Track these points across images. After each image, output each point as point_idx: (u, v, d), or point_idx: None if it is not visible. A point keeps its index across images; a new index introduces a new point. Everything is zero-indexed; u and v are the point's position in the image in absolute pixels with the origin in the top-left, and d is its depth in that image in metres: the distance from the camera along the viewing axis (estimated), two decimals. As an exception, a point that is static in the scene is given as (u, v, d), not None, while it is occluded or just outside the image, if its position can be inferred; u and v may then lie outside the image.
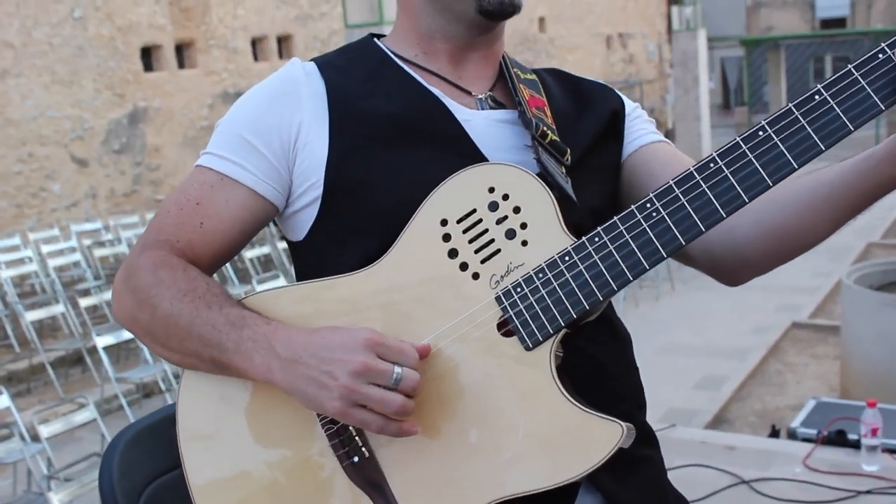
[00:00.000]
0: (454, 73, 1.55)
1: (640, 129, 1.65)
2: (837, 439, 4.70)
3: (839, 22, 36.67)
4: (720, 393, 7.22)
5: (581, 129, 1.57)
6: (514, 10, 1.49)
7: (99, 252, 11.32)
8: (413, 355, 1.29)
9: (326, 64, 1.54)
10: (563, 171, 1.47)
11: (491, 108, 1.54)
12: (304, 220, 1.49)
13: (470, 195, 1.36)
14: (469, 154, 1.45)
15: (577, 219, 1.39)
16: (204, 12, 14.76)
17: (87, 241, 11.62)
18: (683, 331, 9.35)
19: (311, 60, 1.56)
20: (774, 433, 5.41)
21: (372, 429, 1.29)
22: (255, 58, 15.75)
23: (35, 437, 5.73)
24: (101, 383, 8.18)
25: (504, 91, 1.57)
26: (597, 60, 24.86)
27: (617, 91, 1.69)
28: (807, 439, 4.86)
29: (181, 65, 14.58)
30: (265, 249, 11.34)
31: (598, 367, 1.48)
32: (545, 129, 1.48)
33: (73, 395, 6.34)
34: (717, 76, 38.29)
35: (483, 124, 1.50)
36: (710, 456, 4.72)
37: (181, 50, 14.64)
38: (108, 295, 9.11)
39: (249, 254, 10.85)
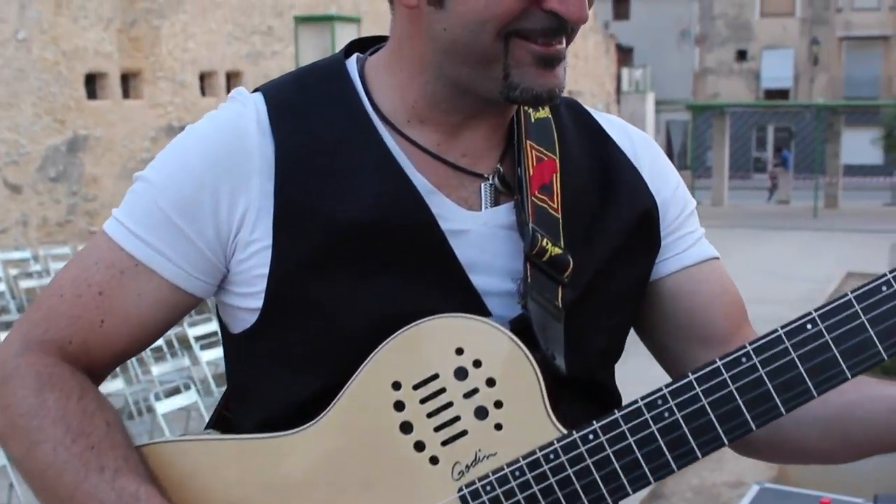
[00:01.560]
0: (456, 147, 1.19)
1: (685, 238, 1.29)
2: (784, 534, 4.57)
3: (782, 93, 37.56)
4: (658, 466, 7.09)
5: (598, 234, 1.21)
6: (553, 101, 1.15)
7: (25, 283, 10.92)
8: None
9: (282, 107, 1.17)
10: (559, 301, 1.15)
11: (498, 193, 1.19)
12: (239, 318, 1.19)
13: (431, 355, 1.08)
14: (454, 283, 1.14)
15: (576, 370, 1.13)
16: (153, 43, 14.51)
17: (14, 271, 11.22)
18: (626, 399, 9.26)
19: (263, 92, 1.20)
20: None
21: None
22: (203, 92, 15.50)
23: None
24: None
25: (513, 163, 1.21)
26: (546, 116, 24.95)
27: (654, 177, 1.28)
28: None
29: (126, 94, 14.29)
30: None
31: None
32: (544, 241, 1.14)
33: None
34: (662, 139, 38.86)
35: (480, 235, 1.17)
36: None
37: (127, 79, 14.35)
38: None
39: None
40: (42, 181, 12.88)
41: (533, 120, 1.23)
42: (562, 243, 1.17)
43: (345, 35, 10.43)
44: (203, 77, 15.50)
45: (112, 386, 7.20)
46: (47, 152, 12.92)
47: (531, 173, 1.18)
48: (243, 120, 1.16)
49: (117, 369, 7.84)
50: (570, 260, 1.16)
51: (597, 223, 1.22)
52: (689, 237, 1.29)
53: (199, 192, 1.14)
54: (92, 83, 13.77)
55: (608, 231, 1.22)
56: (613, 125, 1.31)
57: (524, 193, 1.17)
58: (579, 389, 1.14)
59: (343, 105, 1.18)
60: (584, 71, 27.56)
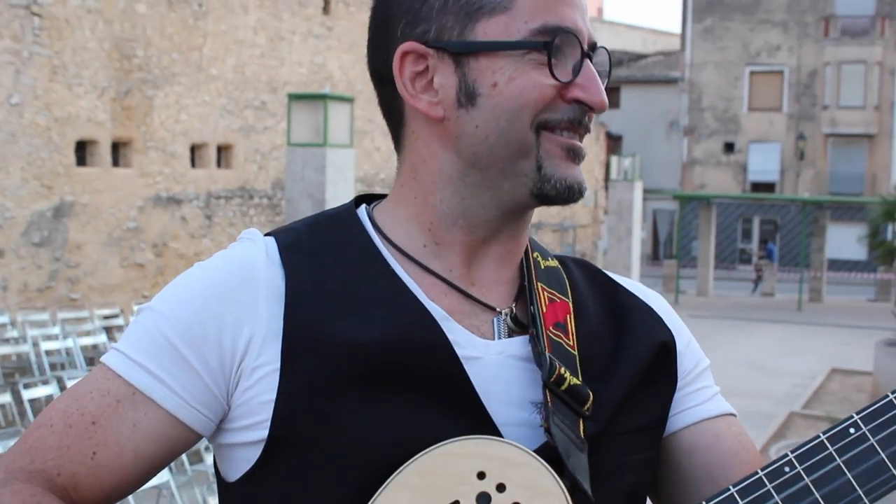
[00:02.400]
0: (468, 276, 1.17)
1: (701, 392, 1.26)
2: None
3: (769, 186, 37.96)
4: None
5: (616, 367, 1.18)
6: (580, 197, 1.15)
7: (1, 349, 10.77)
8: None
9: (292, 247, 1.15)
10: (581, 433, 1.10)
11: (510, 330, 1.17)
12: (239, 459, 1.11)
13: (450, 481, 1.01)
14: (470, 411, 1.08)
15: (598, 499, 1.06)
16: (146, 113, 14.58)
17: (-9, 336, 11.07)
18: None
19: (273, 236, 1.18)
20: None
21: None
22: (193, 164, 15.54)
23: None
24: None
25: (525, 303, 1.19)
26: (534, 200, 25.11)
27: (670, 321, 1.28)
28: None
29: (116, 163, 14.31)
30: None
31: None
32: (562, 370, 1.11)
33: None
34: (648, 227, 39.12)
35: (495, 364, 1.12)
36: None
37: (118, 148, 14.39)
38: (6, 396, 8.58)
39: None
40: (25, 246, 12.80)
41: (542, 267, 1.23)
42: (579, 376, 1.13)
43: (338, 113, 10.47)
44: (194, 149, 15.56)
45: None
46: (32, 217, 12.87)
47: (545, 310, 1.17)
48: (252, 254, 1.14)
49: None
50: (590, 392, 1.12)
51: (614, 362, 1.19)
52: (705, 391, 1.27)
53: (204, 320, 1.10)
54: (82, 150, 13.80)
55: (627, 367, 1.19)
56: (626, 281, 1.32)
57: (539, 327, 1.15)
58: None
59: (354, 243, 1.17)
60: (574, 157, 27.81)
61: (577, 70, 1.12)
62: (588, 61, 1.13)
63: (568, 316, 1.19)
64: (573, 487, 1.02)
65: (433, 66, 1.14)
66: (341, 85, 17.41)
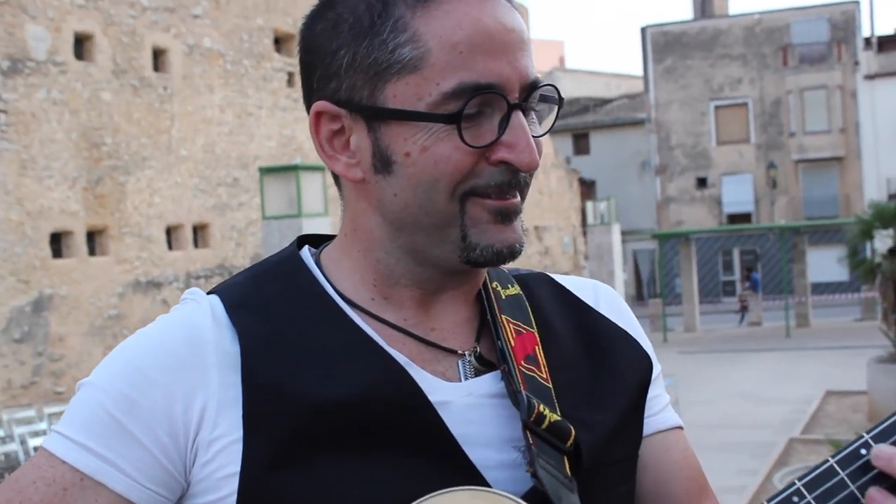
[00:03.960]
0: (425, 323, 1.10)
1: (656, 401, 1.21)
2: None
3: (745, 217, 38.21)
4: None
5: (598, 401, 1.12)
6: (514, 258, 1.07)
7: (-11, 449, 10.60)
8: None
9: (241, 306, 1.07)
10: (567, 471, 1.04)
11: (476, 370, 1.09)
12: None
13: None
14: (449, 458, 1.02)
15: None
16: (119, 199, 14.58)
17: (-23, 437, 10.90)
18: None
19: (217, 293, 1.09)
20: None
21: None
22: (170, 246, 15.50)
23: None
24: None
25: (490, 337, 1.12)
26: (514, 251, 25.22)
27: (640, 335, 1.22)
28: None
29: (92, 252, 14.26)
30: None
31: None
32: (541, 407, 1.04)
33: None
34: (630, 268, 39.22)
35: (465, 406, 1.06)
36: None
37: (93, 236, 14.35)
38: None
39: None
40: (6, 343, 12.67)
41: (504, 297, 1.16)
42: (558, 411, 1.06)
43: (310, 183, 10.49)
44: (170, 231, 15.53)
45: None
46: (12, 313, 12.76)
47: (513, 345, 1.10)
48: (197, 316, 1.06)
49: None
50: (571, 428, 1.06)
51: (596, 391, 1.12)
52: (659, 400, 1.22)
53: (149, 392, 1.01)
54: (57, 242, 13.75)
55: (616, 396, 1.13)
56: (585, 288, 1.24)
57: (510, 363, 1.08)
58: None
59: (306, 295, 1.09)
60: (549, 206, 27.97)
61: (503, 127, 1.02)
62: (518, 114, 1.03)
63: (536, 347, 1.11)
64: None
65: (348, 127, 1.06)
66: (312, 154, 17.47)
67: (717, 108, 38.93)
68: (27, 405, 12.56)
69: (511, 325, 1.11)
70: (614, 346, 1.17)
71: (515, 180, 1.04)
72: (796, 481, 0.94)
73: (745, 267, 38.60)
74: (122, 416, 1.00)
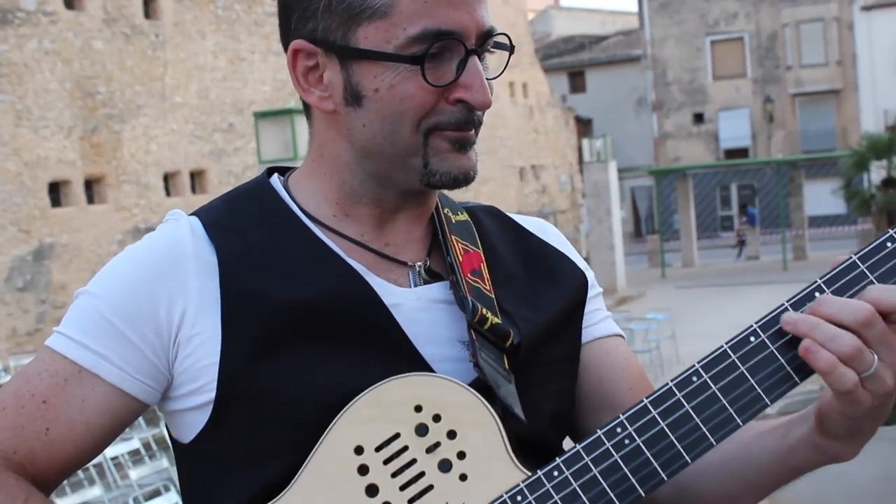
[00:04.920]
0: (379, 238, 1.24)
1: (594, 314, 1.36)
2: (774, 581, 4.52)
3: (742, 152, 38.17)
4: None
5: (534, 305, 1.27)
6: (468, 182, 1.21)
7: (-3, 396, 10.77)
8: None
9: (217, 224, 1.22)
10: (506, 366, 1.18)
11: (425, 281, 1.24)
12: (190, 423, 1.19)
13: (391, 416, 1.09)
14: (401, 352, 1.16)
15: (532, 431, 1.14)
16: (115, 148, 14.60)
17: (-14, 385, 11.07)
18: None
19: (196, 215, 1.24)
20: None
21: None
22: (168, 193, 15.56)
23: None
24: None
25: (440, 254, 1.27)
26: (511, 192, 25.27)
27: (579, 260, 1.37)
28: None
29: (91, 200, 14.32)
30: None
31: None
32: (484, 311, 1.18)
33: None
34: (627, 205, 39.27)
35: (415, 308, 1.20)
36: None
37: (91, 185, 14.40)
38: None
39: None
40: (10, 292, 12.80)
41: (454, 221, 1.31)
42: (499, 316, 1.21)
43: (305, 126, 10.49)
44: (167, 177, 15.58)
45: (90, 493, 7.07)
46: (14, 263, 12.87)
47: (461, 260, 1.25)
48: (177, 233, 1.21)
49: (95, 475, 7.70)
50: (511, 330, 1.20)
51: (533, 300, 1.27)
52: (598, 313, 1.36)
53: (138, 297, 1.17)
54: (56, 191, 13.80)
55: (549, 305, 1.28)
56: (528, 222, 1.40)
57: (458, 274, 1.23)
58: (537, 454, 1.14)
59: (274, 213, 1.24)
60: (546, 145, 27.94)
61: (461, 70, 1.15)
62: (474, 59, 1.16)
63: (482, 264, 1.27)
64: (504, 414, 1.11)
65: (322, 63, 1.19)
66: (306, 98, 17.46)
67: (712, 42, 38.68)
68: (32, 352, 12.73)
69: (459, 245, 1.27)
70: (552, 265, 1.33)
71: (471, 118, 1.18)
72: (696, 364, 1.08)
73: (742, 202, 38.66)
74: (114, 318, 1.16)
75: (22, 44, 13.36)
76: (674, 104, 39.21)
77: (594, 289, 1.38)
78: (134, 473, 7.48)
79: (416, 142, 1.17)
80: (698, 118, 39.08)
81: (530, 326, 1.23)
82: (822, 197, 32.49)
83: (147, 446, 8.80)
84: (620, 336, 1.37)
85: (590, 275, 1.38)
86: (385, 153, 1.19)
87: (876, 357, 1.02)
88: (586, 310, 1.34)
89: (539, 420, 1.18)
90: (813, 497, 6.08)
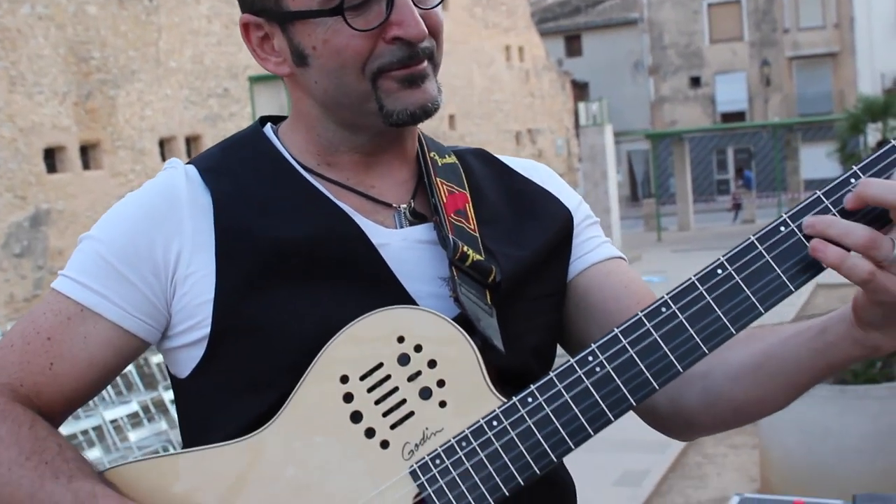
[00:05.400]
0: (365, 182, 1.31)
1: (589, 242, 1.40)
2: (764, 537, 4.60)
3: (738, 115, 38.09)
4: (641, 489, 7.11)
5: (518, 242, 1.32)
6: (428, 115, 1.26)
7: (-4, 361, 10.82)
8: None
9: (212, 170, 1.29)
10: (488, 301, 1.24)
11: (410, 222, 1.30)
12: (187, 359, 1.26)
13: (375, 346, 1.15)
14: (387, 288, 1.22)
15: (513, 363, 1.19)
16: (110, 113, 14.56)
17: (-16, 350, 11.12)
18: (602, 424, 9.23)
19: (192, 162, 1.32)
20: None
21: None
22: (164, 158, 15.54)
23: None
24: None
25: (425, 196, 1.33)
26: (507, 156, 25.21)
27: (562, 195, 1.41)
28: (733, 539, 4.75)
29: (86, 166, 14.30)
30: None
31: None
32: (465, 248, 1.24)
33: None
34: (624, 169, 39.23)
35: (400, 248, 1.27)
36: (635, 559, 4.57)
37: (86, 151, 14.37)
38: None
39: (156, 359, 10.47)
40: (7, 258, 12.83)
41: (440, 164, 1.36)
42: (482, 254, 1.26)
43: (299, 89, 10.50)
44: (162, 143, 15.55)
45: (90, 455, 7.15)
46: (10, 229, 12.88)
47: (445, 201, 1.30)
48: (173, 179, 1.28)
49: (94, 438, 7.78)
50: (493, 267, 1.25)
51: (517, 237, 1.32)
52: (594, 240, 1.41)
53: (137, 240, 1.24)
54: (51, 157, 13.78)
55: (532, 242, 1.32)
56: (519, 163, 1.45)
57: (441, 214, 1.28)
58: (520, 386, 1.19)
59: (266, 158, 1.31)
60: (542, 109, 27.86)
61: (389, 8, 1.18)
62: None
63: (467, 204, 1.32)
64: (484, 345, 1.16)
65: (270, 32, 1.26)
66: (301, 63, 17.40)
67: (709, 5, 38.48)
68: (31, 318, 12.79)
69: (444, 186, 1.32)
70: (537, 203, 1.38)
71: (415, 52, 1.22)
72: (665, 295, 1.11)
73: (738, 166, 38.62)
74: (115, 261, 1.23)
75: (15, 9, 13.28)
76: (670, 68, 39.06)
77: (589, 219, 1.42)
78: (133, 436, 7.57)
79: (366, 88, 1.22)
80: (695, 82, 38.96)
81: (513, 263, 1.28)
82: (818, 160, 32.47)
83: (146, 409, 8.88)
84: (622, 258, 1.41)
85: (583, 208, 1.42)
86: (342, 103, 1.25)
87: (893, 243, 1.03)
88: (582, 238, 1.39)
89: (521, 353, 1.24)
90: (802, 454, 6.18)
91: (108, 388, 9.16)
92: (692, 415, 1.30)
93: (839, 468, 5.94)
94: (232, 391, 1.23)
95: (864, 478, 5.70)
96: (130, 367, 9.53)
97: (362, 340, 1.15)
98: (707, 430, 1.36)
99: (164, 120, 15.44)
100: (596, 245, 1.41)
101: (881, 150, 1.07)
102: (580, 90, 36.75)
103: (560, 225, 1.37)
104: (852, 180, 1.07)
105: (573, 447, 1.11)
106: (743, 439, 8.15)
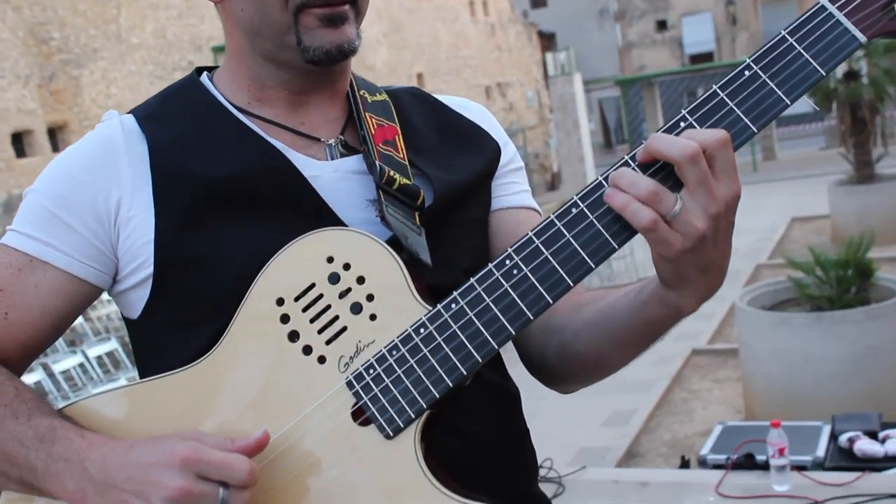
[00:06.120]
0: (295, 118, 1.36)
1: (510, 185, 1.47)
2: (746, 463, 4.70)
3: (707, 56, 38.05)
4: (629, 427, 7.21)
5: (448, 168, 1.37)
6: (344, 56, 1.30)
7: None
8: (241, 468, 1.09)
9: (148, 117, 1.34)
10: (416, 222, 1.29)
11: (342, 155, 1.36)
12: (135, 300, 1.31)
13: (306, 268, 1.20)
14: (321, 217, 1.27)
15: (445, 281, 1.22)
16: (75, 94, 14.43)
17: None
18: (588, 369, 9.33)
19: (132, 112, 1.36)
20: (685, 464, 5.40)
21: None
22: (133, 135, 15.44)
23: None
24: None
25: (355, 130, 1.38)
26: (478, 111, 25.14)
27: (493, 132, 1.48)
28: (717, 466, 4.86)
29: (55, 148, 14.20)
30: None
31: (481, 444, 1.33)
32: (391, 173, 1.30)
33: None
34: (596, 117, 39.22)
35: (333, 179, 1.32)
36: (624, 495, 4.67)
37: (54, 133, 14.26)
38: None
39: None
40: (-18, 246, 12.78)
41: (370, 101, 1.41)
42: (410, 179, 1.32)
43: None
44: (130, 120, 15.44)
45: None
46: (-17, 216, 12.81)
47: (373, 132, 1.36)
48: (109, 129, 1.33)
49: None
50: (420, 190, 1.31)
51: (446, 164, 1.38)
52: (514, 186, 1.47)
53: (76, 189, 1.29)
54: (19, 142, 13.67)
55: (460, 168, 1.38)
56: (453, 100, 1.50)
57: (369, 144, 1.34)
58: (452, 288, 1.24)
59: (200, 103, 1.36)
60: (510, 62, 27.77)
61: None
62: None
63: (397, 136, 1.38)
64: (413, 260, 1.22)
65: None
66: (265, 30, 17.26)
67: (671, -53, 38.28)
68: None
69: (374, 120, 1.37)
70: (468, 136, 1.44)
71: None
72: (574, 196, 1.15)
73: (710, 106, 38.56)
74: (58, 210, 1.28)
75: (-31, -6, 13.11)
76: (636, 12, 38.92)
77: (515, 163, 1.48)
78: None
79: (287, 20, 1.27)
80: (661, 25, 38.85)
81: (444, 185, 1.34)
82: (788, 96, 32.52)
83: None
84: (536, 211, 1.47)
85: (510, 149, 1.49)
86: (264, 33, 1.29)
87: (679, 200, 1.07)
88: (504, 181, 1.45)
89: (454, 273, 1.27)
90: (783, 382, 6.29)
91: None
92: (552, 367, 1.38)
93: (819, 392, 6.05)
94: (179, 325, 1.28)
95: (844, 400, 5.82)
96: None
97: (294, 263, 1.21)
98: (566, 382, 1.42)
99: (132, 96, 15.31)
100: (517, 191, 1.47)
101: (705, 95, 1.12)
102: (547, 41, 36.59)
103: (490, 157, 1.43)
104: (681, 124, 1.11)
105: (496, 347, 1.15)
106: (726, 373, 8.26)
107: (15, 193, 13.25)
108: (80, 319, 11.65)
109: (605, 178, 1.12)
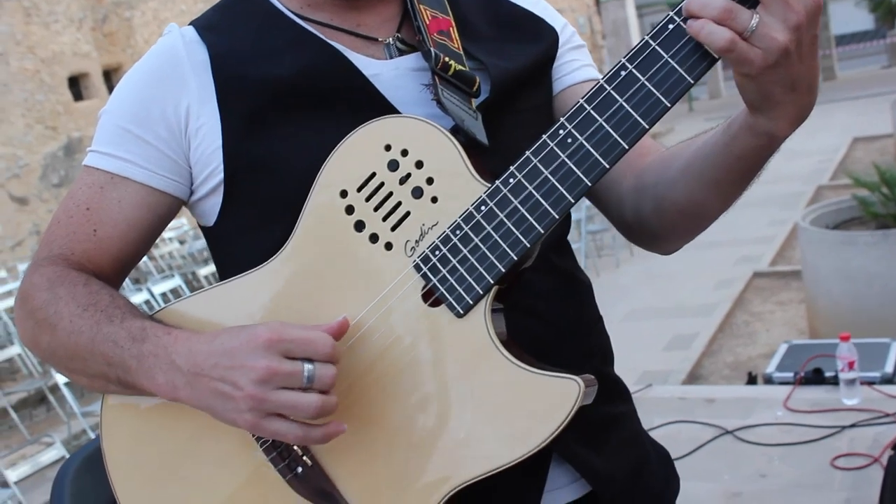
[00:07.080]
0: (351, 20, 1.38)
1: (571, 63, 1.47)
2: (815, 378, 4.68)
3: (762, -25, 37.01)
4: (691, 351, 7.21)
5: (503, 55, 1.37)
6: None
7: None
8: (324, 342, 1.13)
9: (208, 27, 1.37)
10: (472, 106, 1.30)
11: (400, 53, 1.37)
12: (210, 207, 1.36)
13: (365, 159, 1.23)
14: (383, 114, 1.27)
15: (502, 164, 1.22)
16: (128, 35, 14.52)
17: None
18: (648, 294, 9.34)
19: (191, 24, 1.39)
20: (752, 380, 5.39)
21: (290, 440, 1.15)
22: (186, 75, 15.53)
23: (3, 483, 5.55)
24: (67, 420, 7.99)
25: (411, 27, 1.39)
26: (529, 40, 24.82)
27: (547, 16, 1.47)
28: (784, 382, 4.84)
29: (111, 90, 14.33)
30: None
31: (553, 325, 1.36)
32: (446, 59, 1.31)
33: (38, 436, 6.17)
34: (649, 43, 38.46)
35: (393, 76, 1.34)
36: (690, 411, 4.68)
37: (110, 76, 14.39)
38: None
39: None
40: (46, 189, 13.01)
41: None
42: (465, 66, 1.33)
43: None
44: (184, 60, 15.52)
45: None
46: (46, 160, 13.03)
47: (428, 23, 1.36)
48: (171, 41, 1.37)
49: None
50: (476, 77, 1.32)
51: (503, 53, 1.38)
52: (576, 62, 1.48)
53: (147, 103, 1.33)
54: (76, 85, 13.83)
55: (517, 57, 1.38)
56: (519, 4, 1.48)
57: (424, 34, 1.35)
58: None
59: (258, 11, 1.39)
60: (560, -12, 27.29)
61: None
62: None
63: (451, 28, 1.38)
64: (470, 142, 1.23)
65: None
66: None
67: None
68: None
69: (428, 12, 1.38)
70: (524, 25, 1.44)
71: None
72: (622, 59, 1.13)
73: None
74: (131, 126, 1.33)
75: (20, -62, 13.17)
76: (689, -68, 37.91)
77: (574, 42, 1.48)
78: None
79: None
80: (715, -56, 37.81)
81: (500, 73, 1.34)
82: (848, 13, 31.63)
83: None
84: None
85: (567, 30, 1.49)
86: None
87: (756, 14, 1.05)
88: (564, 59, 1.46)
89: (511, 154, 1.25)
90: (849, 301, 6.23)
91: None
92: (651, 225, 1.39)
93: (885, 310, 5.99)
94: (252, 227, 1.32)
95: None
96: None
97: (353, 155, 1.23)
98: (668, 238, 1.42)
99: (183, 36, 15.38)
100: (576, 67, 1.47)
101: None
102: (598, -34, 35.85)
103: (548, 43, 1.43)
104: (669, 25, 1.10)
105: (557, 217, 1.15)
106: (789, 295, 8.20)
107: (75, 136, 13.44)
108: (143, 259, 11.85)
109: (677, 13, 1.09)
